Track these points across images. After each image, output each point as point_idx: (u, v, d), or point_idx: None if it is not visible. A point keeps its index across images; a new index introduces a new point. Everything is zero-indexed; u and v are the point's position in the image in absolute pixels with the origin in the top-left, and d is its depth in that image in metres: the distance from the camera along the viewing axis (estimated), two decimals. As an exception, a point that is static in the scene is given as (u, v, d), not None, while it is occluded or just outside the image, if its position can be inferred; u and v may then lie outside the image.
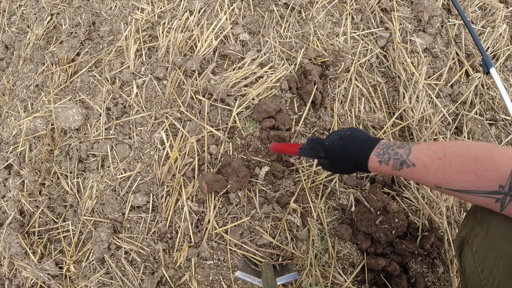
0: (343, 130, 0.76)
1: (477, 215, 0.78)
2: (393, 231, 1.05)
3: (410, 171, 0.63)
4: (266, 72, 1.28)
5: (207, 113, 1.25)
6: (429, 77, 1.34)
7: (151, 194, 1.21)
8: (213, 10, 1.42)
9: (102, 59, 1.47)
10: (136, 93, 1.33)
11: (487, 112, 1.31)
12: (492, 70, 1.18)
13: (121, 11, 1.54)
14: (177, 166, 1.19)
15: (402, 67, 1.30)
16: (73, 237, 1.26)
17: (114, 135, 1.30)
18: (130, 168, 1.25)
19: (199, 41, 1.35)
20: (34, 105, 1.50)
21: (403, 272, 1.09)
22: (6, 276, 1.30)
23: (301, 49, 1.34)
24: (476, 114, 1.30)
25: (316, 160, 1.14)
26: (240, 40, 1.36)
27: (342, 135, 0.75)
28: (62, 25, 1.62)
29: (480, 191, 0.55)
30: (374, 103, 1.30)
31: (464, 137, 1.24)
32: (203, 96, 1.27)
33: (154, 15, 1.47)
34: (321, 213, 1.14)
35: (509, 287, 0.67)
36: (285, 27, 1.39)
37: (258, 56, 1.32)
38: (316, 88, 1.24)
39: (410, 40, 1.36)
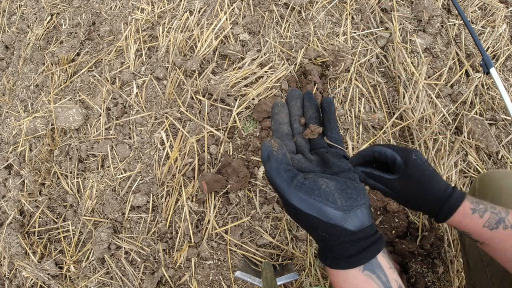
0: (419, 152, 0.56)
1: (474, 193, 0.81)
2: (393, 231, 1.05)
3: (506, 234, 0.50)
4: (266, 72, 1.28)
5: (207, 113, 1.25)
6: (429, 77, 1.34)
7: (151, 194, 1.21)
8: (213, 10, 1.42)
9: (102, 59, 1.47)
10: (136, 93, 1.33)
11: (487, 112, 1.31)
12: (492, 70, 1.18)
13: (121, 11, 1.54)
14: (177, 166, 1.19)
15: (402, 67, 1.30)
16: (73, 237, 1.26)
17: (114, 135, 1.30)
18: (130, 168, 1.25)
19: (199, 41, 1.35)
20: (34, 105, 1.50)
21: (403, 272, 1.09)
22: (6, 276, 1.29)
23: (301, 49, 1.34)
24: (476, 114, 1.30)
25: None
26: (240, 40, 1.36)
27: (423, 158, 0.55)
28: (62, 25, 1.62)
29: None
30: (374, 103, 1.30)
31: (464, 137, 1.24)
32: (203, 96, 1.27)
33: (154, 15, 1.47)
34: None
35: None
36: (285, 27, 1.39)
37: (258, 56, 1.32)
38: (316, 88, 1.24)
39: (410, 40, 1.36)
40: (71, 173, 1.32)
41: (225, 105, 1.25)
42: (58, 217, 1.31)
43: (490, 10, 1.47)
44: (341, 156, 0.52)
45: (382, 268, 0.42)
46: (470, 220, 0.51)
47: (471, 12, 1.46)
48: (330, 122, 0.53)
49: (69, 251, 1.25)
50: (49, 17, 1.66)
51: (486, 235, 0.51)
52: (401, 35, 1.37)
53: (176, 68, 1.32)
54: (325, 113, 0.54)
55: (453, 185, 0.57)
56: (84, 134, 1.35)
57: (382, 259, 0.43)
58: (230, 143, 1.21)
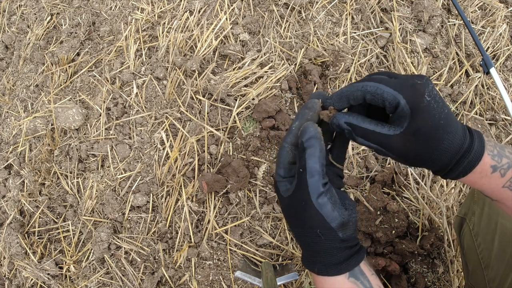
0: (431, 86, 0.39)
1: (474, 195, 0.81)
2: (393, 231, 1.05)
3: None
4: (266, 72, 1.28)
5: (207, 113, 1.25)
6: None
7: (151, 194, 1.21)
8: (213, 10, 1.42)
9: (102, 59, 1.47)
10: (136, 93, 1.33)
11: (487, 112, 1.31)
12: (492, 70, 1.18)
13: (121, 11, 1.54)
14: (177, 166, 1.19)
15: (402, 67, 1.30)
16: (73, 237, 1.26)
17: (114, 135, 1.30)
18: (130, 168, 1.25)
19: (199, 41, 1.35)
20: (34, 105, 1.50)
21: (403, 272, 1.09)
22: (6, 276, 1.30)
23: (301, 49, 1.34)
24: (476, 114, 1.30)
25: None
26: (240, 40, 1.36)
27: (437, 97, 0.38)
28: (62, 25, 1.62)
29: None
30: (374, 103, 1.30)
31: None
32: (203, 96, 1.27)
33: (154, 15, 1.47)
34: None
35: (503, 259, 0.69)
36: (285, 27, 1.39)
37: (258, 56, 1.32)
38: (316, 88, 1.24)
39: (410, 40, 1.36)
40: (71, 173, 1.32)
41: (225, 105, 1.25)
42: (58, 217, 1.31)
43: (490, 10, 1.47)
44: (338, 175, 0.48)
45: (366, 275, 0.44)
46: (488, 180, 0.41)
47: (471, 12, 1.46)
48: (344, 143, 0.48)
49: (69, 251, 1.25)
50: (49, 17, 1.66)
51: (505, 195, 0.42)
52: (401, 35, 1.37)
53: (176, 68, 1.32)
54: (342, 134, 0.45)
55: (467, 127, 0.42)
56: (84, 134, 1.35)
57: (365, 266, 0.45)
58: (230, 143, 1.21)
